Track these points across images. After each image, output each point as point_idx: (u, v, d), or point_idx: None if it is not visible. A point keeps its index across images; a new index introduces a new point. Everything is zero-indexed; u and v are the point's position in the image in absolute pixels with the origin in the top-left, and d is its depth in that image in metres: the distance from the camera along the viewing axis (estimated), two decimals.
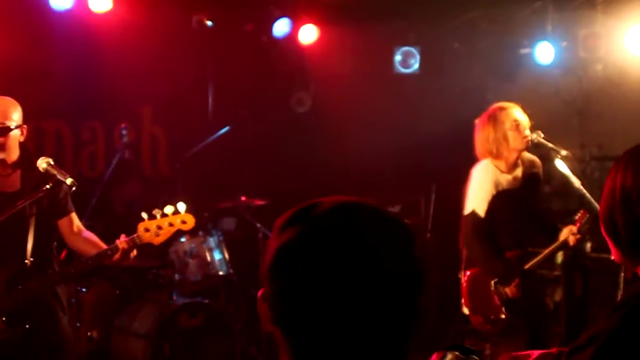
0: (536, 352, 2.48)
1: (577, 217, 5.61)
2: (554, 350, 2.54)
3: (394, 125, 8.97)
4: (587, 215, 5.55)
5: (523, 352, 2.61)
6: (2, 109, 4.86)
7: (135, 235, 4.88)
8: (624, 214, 2.22)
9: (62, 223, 5.09)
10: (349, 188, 8.57)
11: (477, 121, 5.82)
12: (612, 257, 2.36)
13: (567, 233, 5.60)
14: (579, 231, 5.55)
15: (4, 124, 4.83)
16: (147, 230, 4.87)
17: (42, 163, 4.79)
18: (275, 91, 9.11)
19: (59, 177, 4.70)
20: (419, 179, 8.76)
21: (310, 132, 9.04)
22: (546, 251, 5.71)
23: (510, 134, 5.60)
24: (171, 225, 4.91)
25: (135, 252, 4.91)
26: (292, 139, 9.03)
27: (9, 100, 4.94)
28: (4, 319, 4.70)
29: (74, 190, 4.74)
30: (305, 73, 9.12)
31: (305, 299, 1.59)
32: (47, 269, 4.98)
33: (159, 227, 4.88)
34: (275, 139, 9.02)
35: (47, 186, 4.72)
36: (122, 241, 4.85)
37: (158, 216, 4.91)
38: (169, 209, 4.92)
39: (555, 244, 5.69)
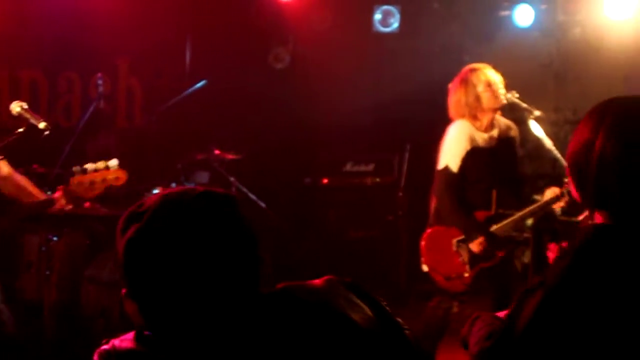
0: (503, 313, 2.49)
1: (566, 180, 5.34)
2: None
3: (372, 83, 8.97)
4: None
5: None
6: None
7: (67, 188, 4.91)
8: (591, 162, 2.25)
9: None
10: (323, 145, 8.78)
11: (450, 85, 5.77)
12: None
13: (551, 195, 5.50)
14: (562, 194, 5.46)
15: None
16: (80, 183, 4.88)
17: (16, 107, 4.79)
18: (253, 46, 9.05)
19: (32, 121, 4.70)
20: (394, 138, 8.70)
21: (287, 88, 8.98)
22: (527, 210, 5.62)
23: (484, 95, 5.55)
24: (104, 181, 4.91)
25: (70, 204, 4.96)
26: (269, 94, 8.95)
27: None
28: None
29: (46, 135, 4.73)
30: (284, 29, 9.06)
31: (157, 277, 1.83)
32: None
33: (92, 182, 4.89)
34: (252, 94, 8.95)
35: (20, 130, 4.72)
36: (60, 196, 4.89)
37: (90, 171, 4.92)
38: (101, 164, 4.92)
39: (535, 206, 5.61)
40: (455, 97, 5.68)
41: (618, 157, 2.20)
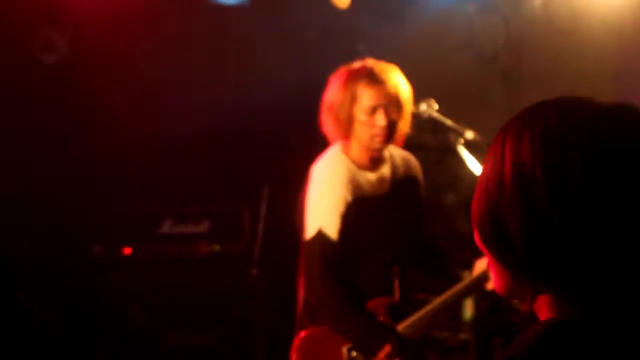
0: None
1: None
2: None
3: (208, 83, 6.82)
4: None
5: None
6: None
7: None
8: (518, 208, 1.56)
9: None
10: (124, 191, 6.69)
11: (332, 77, 4.58)
12: (492, 285, 1.79)
13: (482, 267, 4.34)
14: None
15: None
16: None
17: None
18: (10, 29, 6.72)
19: None
20: (243, 177, 6.72)
21: (62, 93, 6.68)
22: (442, 298, 4.39)
23: (360, 119, 4.32)
24: None
25: None
26: (33, 103, 6.69)
27: None
28: None
29: None
30: (58, 3, 6.77)
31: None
32: None
33: None
34: (7, 102, 6.66)
35: None
36: None
37: None
38: None
39: (460, 286, 4.41)
40: (331, 94, 4.44)
41: (552, 185, 1.53)
